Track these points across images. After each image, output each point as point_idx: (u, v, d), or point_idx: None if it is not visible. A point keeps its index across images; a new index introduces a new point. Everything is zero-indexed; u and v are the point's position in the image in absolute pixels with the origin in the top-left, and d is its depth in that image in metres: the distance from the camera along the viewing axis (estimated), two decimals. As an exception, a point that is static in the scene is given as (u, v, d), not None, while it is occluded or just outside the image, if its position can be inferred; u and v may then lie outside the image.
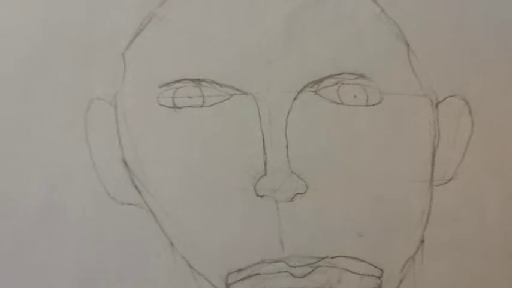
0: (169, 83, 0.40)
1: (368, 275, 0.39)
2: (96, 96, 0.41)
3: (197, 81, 0.40)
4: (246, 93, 0.40)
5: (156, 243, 0.40)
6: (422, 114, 0.40)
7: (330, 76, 0.40)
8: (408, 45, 0.41)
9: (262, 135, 0.39)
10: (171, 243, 0.40)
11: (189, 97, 0.40)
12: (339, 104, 0.40)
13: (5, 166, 0.41)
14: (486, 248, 0.40)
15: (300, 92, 0.40)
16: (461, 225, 0.40)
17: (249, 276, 0.39)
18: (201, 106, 0.40)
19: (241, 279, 0.39)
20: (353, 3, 0.41)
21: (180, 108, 0.40)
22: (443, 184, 0.40)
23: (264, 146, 0.39)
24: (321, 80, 0.40)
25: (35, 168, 0.41)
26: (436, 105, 0.41)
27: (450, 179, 0.40)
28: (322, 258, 0.39)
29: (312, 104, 0.40)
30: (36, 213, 0.41)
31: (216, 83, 0.40)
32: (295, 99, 0.40)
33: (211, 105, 0.40)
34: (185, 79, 0.40)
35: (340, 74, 0.40)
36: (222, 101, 0.40)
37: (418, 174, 0.40)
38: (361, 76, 0.40)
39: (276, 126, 0.39)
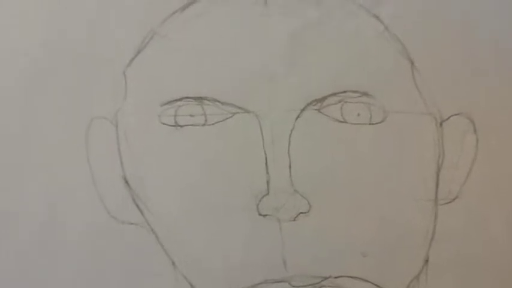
0: (171, 101, 0.40)
1: None
2: (97, 114, 0.41)
3: (199, 99, 0.40)
4: (248, 112, 0.39)
5: (158, 262, 0.40)
6: (427, 132, 0.40)
7: (333, 94, 0.39)
8: (412, 63, 0.41)
9: (265, 154, 0.39)
10: (173, 263, 0.40)
11: (191, 115, 0.40)
12: (342, 122, 0.39)
13: (5, 184, 0.41)
14: (491, 267, 0.40)
15: (303, 110, 0.39)
16: (466, 244, 0.40)
17: None
18: (203, 125, 0.40)
19: None
20: (356, 20, 0.41)
21: (181, 126, 0.40)
22: (447, 203, 0.40)
23: (266, 164, 0.39)
24: (324, 98, 0.39)
25: (36, 186, 0.41)
26: (441, 124, 0.40)
27: (455, 198, 0.40)
28: (326, 278, 0.39)
29: (315, 123, 0.39)
30: (37, 231, 0.40)
31: (218, 101, 0.40)
32: (298, 117, 0.39)
33: (213, 124, 0.40)
34: (187, 97, 0.40)
35: (344, 92, 0.39)
36: (224, 120, 0.40)
37: (422, 193, 0.40)
38: (365, 94, 0.39)
39: (279, 145, 0.39)
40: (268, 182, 0.39)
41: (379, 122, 0.39)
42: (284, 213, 0.39)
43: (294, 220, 0.39)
